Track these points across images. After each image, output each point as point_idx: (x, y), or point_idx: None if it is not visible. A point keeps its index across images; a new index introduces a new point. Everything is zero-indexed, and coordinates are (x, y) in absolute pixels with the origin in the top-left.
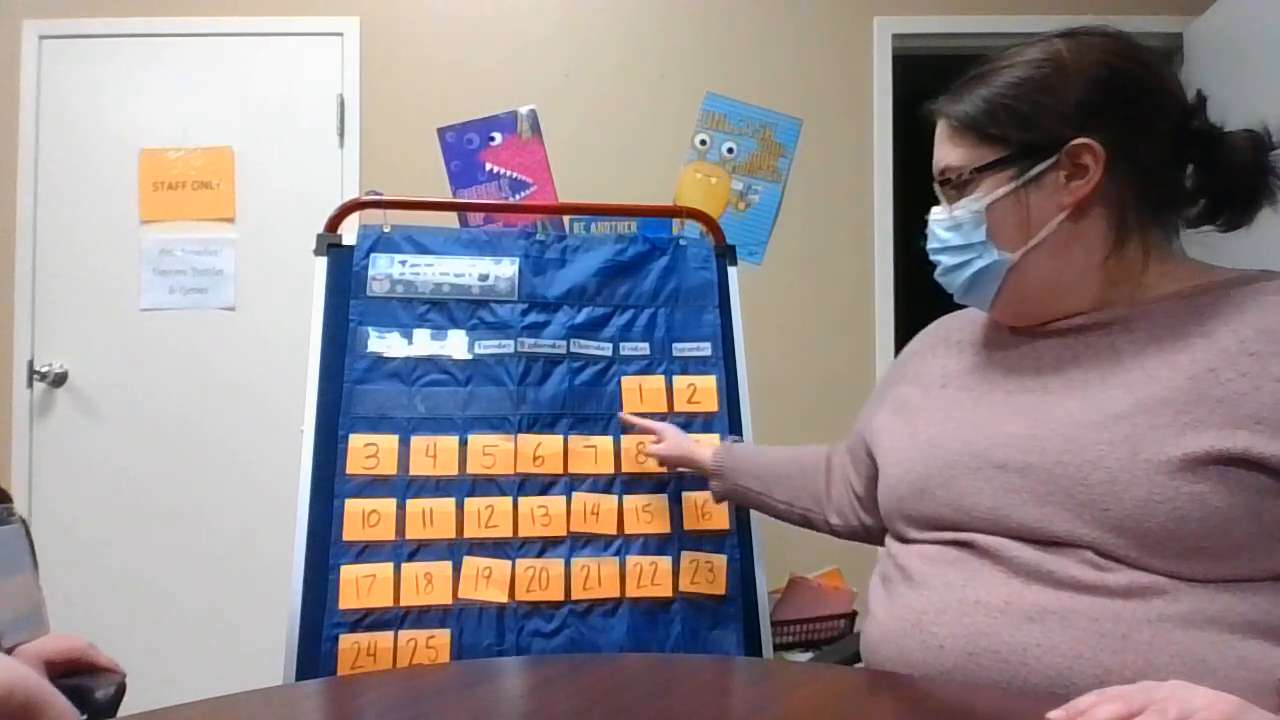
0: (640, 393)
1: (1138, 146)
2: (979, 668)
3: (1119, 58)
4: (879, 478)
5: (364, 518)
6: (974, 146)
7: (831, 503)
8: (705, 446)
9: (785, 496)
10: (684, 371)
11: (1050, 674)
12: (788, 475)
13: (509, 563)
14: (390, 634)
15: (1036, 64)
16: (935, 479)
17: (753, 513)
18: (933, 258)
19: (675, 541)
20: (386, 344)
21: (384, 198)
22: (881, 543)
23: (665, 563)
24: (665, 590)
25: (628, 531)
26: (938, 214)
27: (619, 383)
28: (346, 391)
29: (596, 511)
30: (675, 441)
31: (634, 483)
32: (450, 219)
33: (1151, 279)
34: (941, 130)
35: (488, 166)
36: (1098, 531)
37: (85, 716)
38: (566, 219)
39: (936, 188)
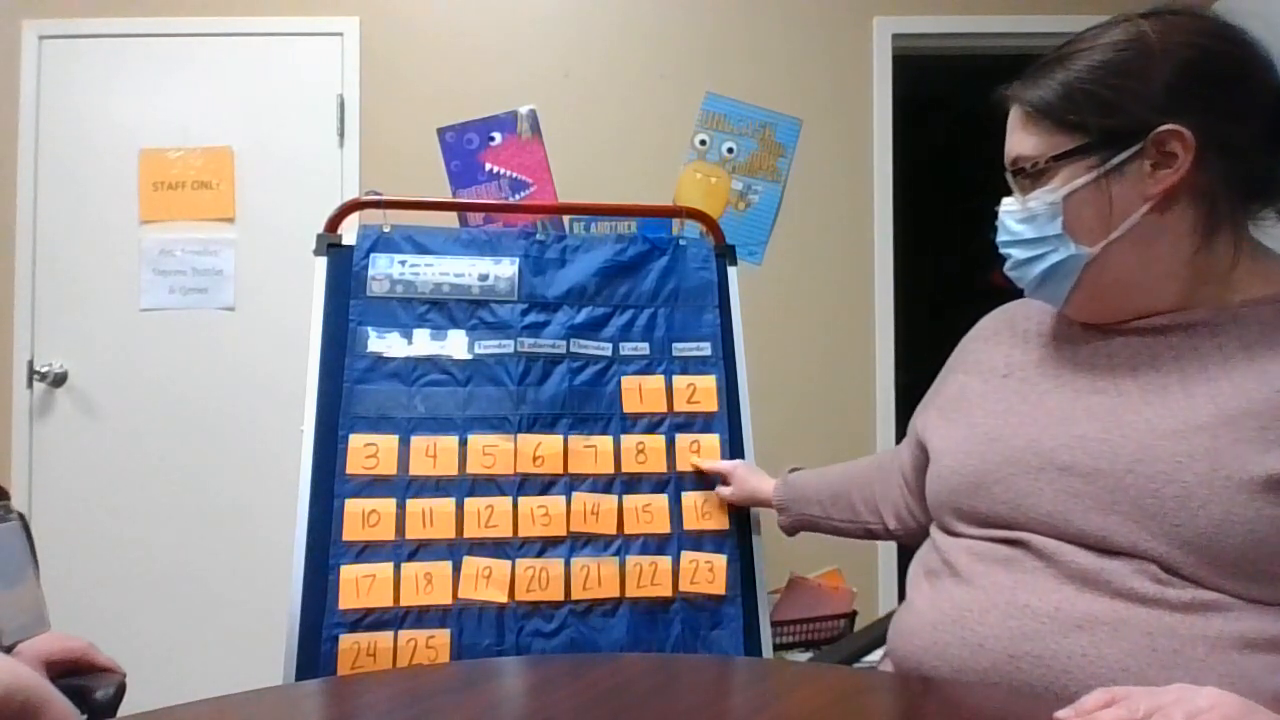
0: (640, 393)
1: (1230, 133)
2: (1018, 670)
3: (1209, 38)
4: (929, 467)
5: (364, 518)
6: (1050, 134)
7: (889, 507)
8: (769, 483)
9: (846, 515)
10: (684, 371)
11: (1092, 684)
12: (845, 492)
13: (509, 563)
14: (390, 634)
15: (1120, 46)
16: (993, 475)
17: (753, 512)
18: (1003, 251)
19: (675, 541)
20: (386, 344)
21: (384, 198)
22: None
23: (665, 563)
24: (665, 590)
25: (628, 531)
26: (1009, 205)
27: (619, 383)
28: (346, 391)
29: (596, 511)
30: (741, 484)
31: (634, 483)
32: (450, 219)
33: (1241, 279)
34: (1015, 117)
35: (488, 166)
36: (1165, 546)
37: (85, 716)
38: (566, 219)
39: (1009, 178)
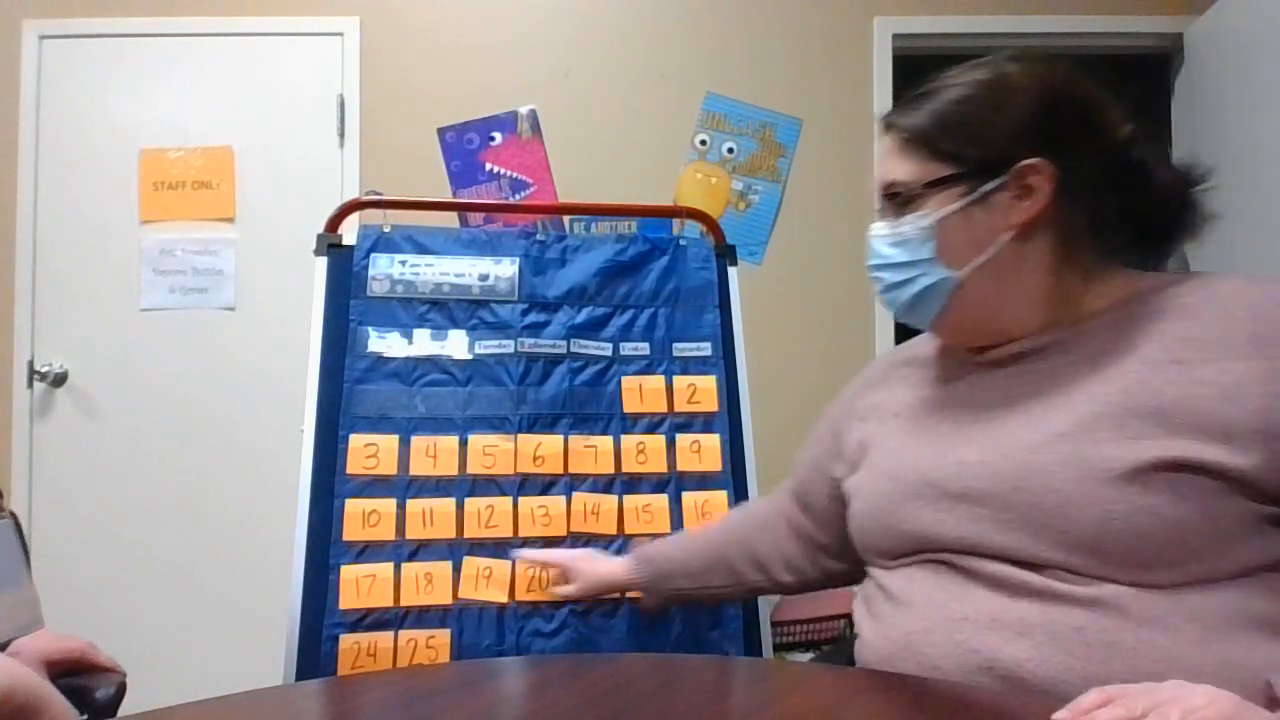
0: (640, 393)
1: (1082, 170)
2: (977, 685)
3: (1063, 81)
4: (850, 515)
5: (364, 518)
6: (924, 162)
7: (779, 561)
8: (618, 563)
9: (726, 579)
10: (684, 371)
11: (1044, 686)
12: (720, 556)
13: (509, 563)
14: (390, 634)
15: (985, 83)
16: (899, 513)
17: None
18: (873, 275)
19: None
20: (387, 344)
21: (384, 198)
22: (847, 583)
23: None
24: None
25: (628, 531)
26: (880, 229)
27: (619, 383)
28: (346, 391)
29: (596, 511)
30: (586, 581)
31: (634, 483)
32: (450, 219)
33: (1089, 300)
34: (890, 144)
35: (488, 166)
36: (1061, 554)
37: (85, 716)
38: (566, 219)
39: (879, 202)
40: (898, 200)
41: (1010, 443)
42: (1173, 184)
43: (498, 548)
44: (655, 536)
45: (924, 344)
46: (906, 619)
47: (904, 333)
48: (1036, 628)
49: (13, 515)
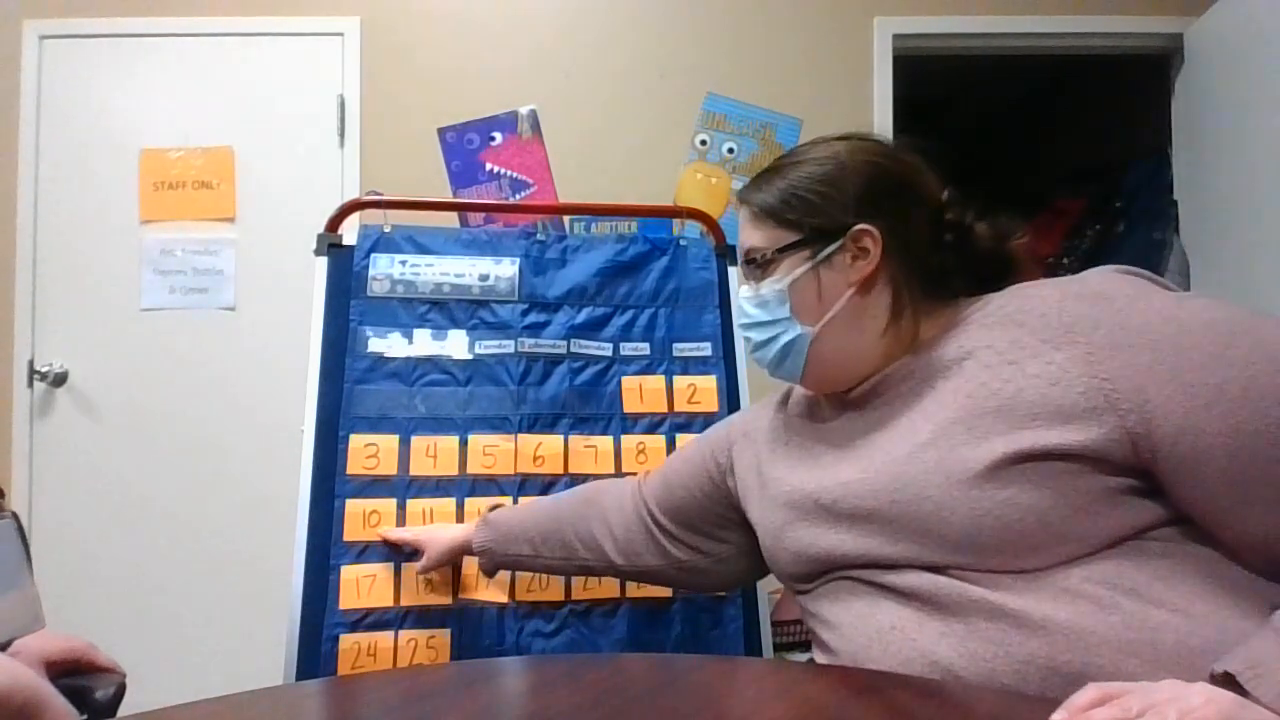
0: (640, 393)
1: (905, 231)
2: (978, 686)
3: (884, 158)
4: (761, 549)
5: (364, 518)
6: (774, 230)
7: (613, 543)
8: (462, 529)
9: (559, 553)
10: (684, 372)
11: (980, 679)
12: (557, 530)
13: None
14: (390, 634)
15: (820, 161)
16: (801, 538)
17: None
18: (743, 335)
19: None
20: (387, 344)
21: (384, 198)
22: (691, 584)
23: None
24: (665, 590)
25: None
26: (745, 292)
27: (619, 383)
28: (347, 392)
29: None
30: (433, 549)
31: None
32: (450, 219)
33: (924, 329)
34: (745, 216)
35: (488, 166)
36: (945, 556)
37: (85, 716)
38: (566, 219)
39: (742, 269)
40: (755, 265)
41: (881, 457)
42: (989, 237)
43: None
44: None
45: (798, 390)
46: (843, 641)
47: None
48: (955, 624)
49: (14, 515)
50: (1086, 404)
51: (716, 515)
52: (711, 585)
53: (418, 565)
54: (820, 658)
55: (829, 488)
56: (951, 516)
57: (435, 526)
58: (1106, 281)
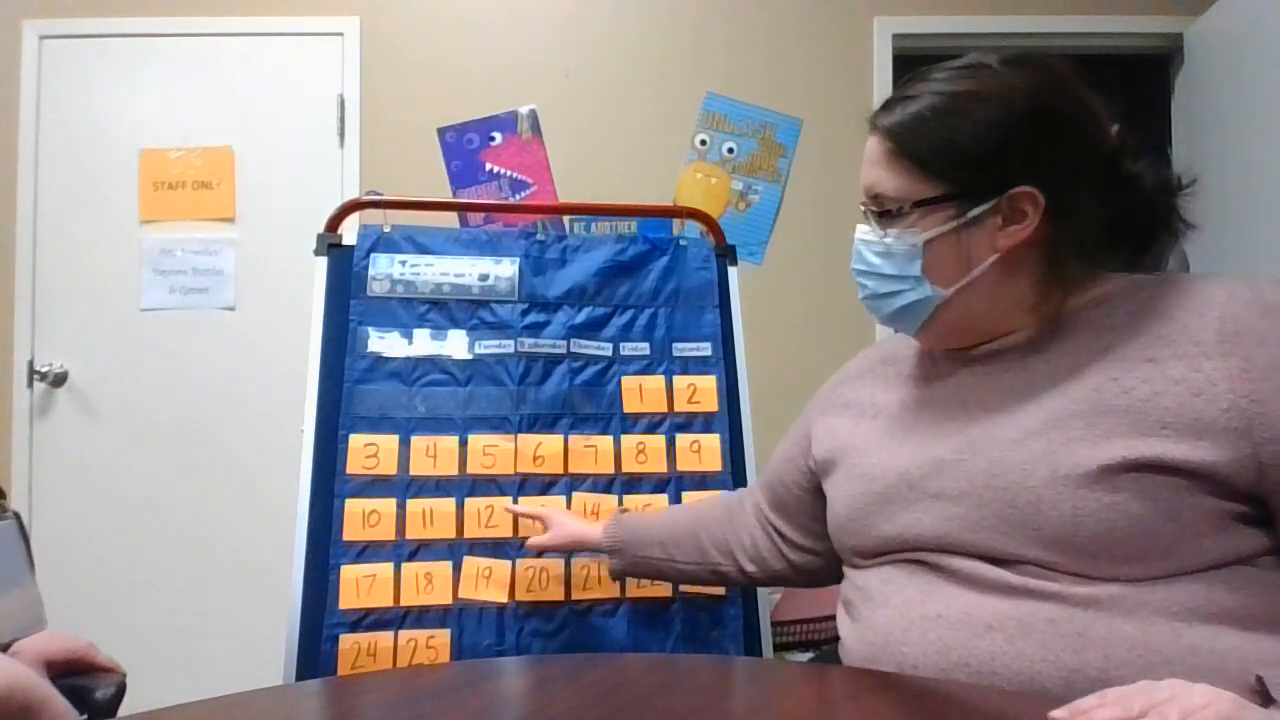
0: (640, 393)
1: (1072, 193)
2: (980, 686)
3: (1061, 100)
4: (828, 514)
5: (364, 518)
6: (913, 179)
7: (744, 551)
8: (594, 526)
9: (692, 557)
10: (684, 371)
11: (1019, 680)
12: (692, 534)
13: (509, 563)
14: (390, 634)
15: (984, 99)
16: (876, 513)
17: None
18: (858, 279)
19: None
20: (387, 344)
21: (384, 198)
22: (810, 584)
23: None
24: (665, 590)
25: None
26: (867, 234)
27: (619, 383)
28: (346, 391)
29: (596, 511)
30: (560, 529)
31: (634, 483)
32: (450, 219)
33: (1068, 301)
34: (877, 151)
35: (488, 166)
36: (1034, 550)
37: (85, 716)
38: (566, 219)
39: (865, 206)
40: (882, 209)
41: (985, 440)
42: (1158, 191)
43: (497, 548)
44: None
45: (903, 342)
46: (883, 619)
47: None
48: (1009, 620)
49: (16, 515)
50: (1226, 423)
51: (822, 509)
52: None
53: (536, 540)
54: (847, 629)
55: (921, 464)
56: (1051, 511)
57: (562, 512)
58: None
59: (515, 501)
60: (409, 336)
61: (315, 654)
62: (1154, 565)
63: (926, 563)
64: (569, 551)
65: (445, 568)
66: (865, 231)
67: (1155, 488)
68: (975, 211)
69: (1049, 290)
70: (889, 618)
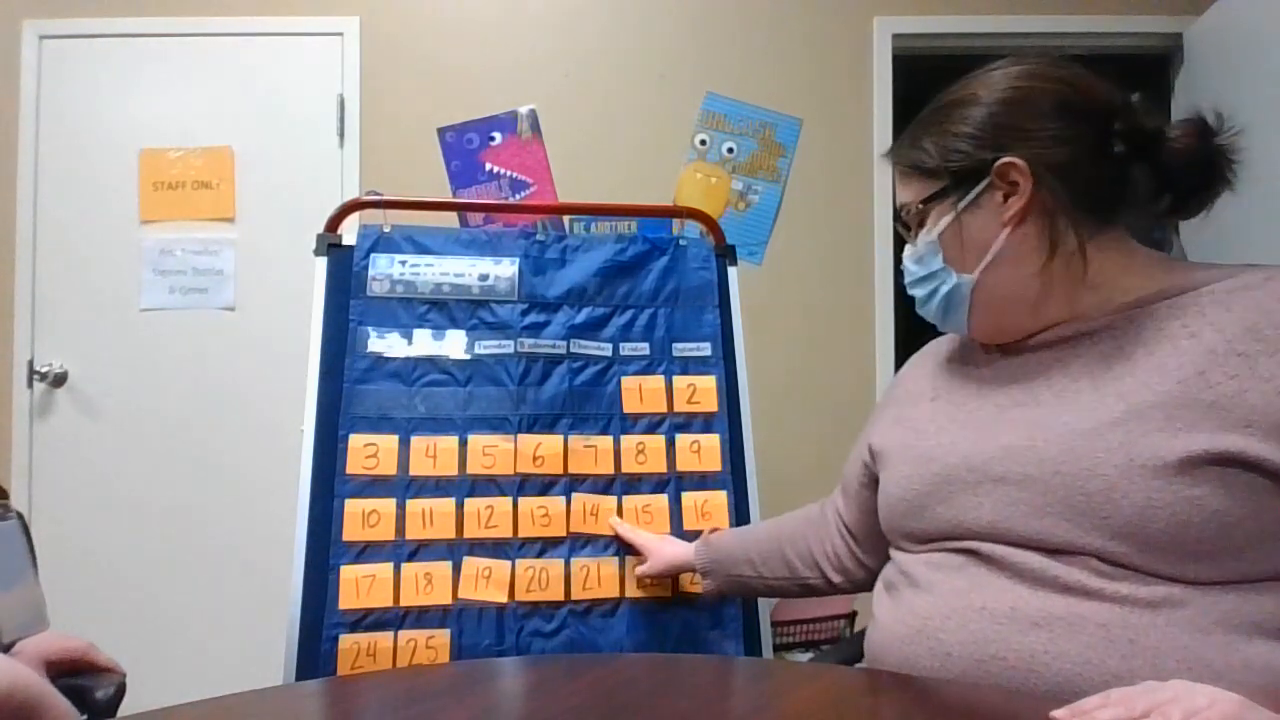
0: (640, 393)
1: (1059, 155)
2: (987, 674)
3: (1026, 79)
4: (878, 497)
5: (364, 518)
6: (919, 183)
7: (829, 560)
8: (686, 548)
9: (781, 572)
10: (684, 372)
11: (1058, 680)
12: (777, 549)
13: (509, 563)
14: (390, 634)
15: (959, 101)
16: (934, 495)
17: (753, 512)
18: (910, 292)
19: None
20: (386, 344)
21: (384, 198)
22: None
23: None
24: (665, 590)
25: None
26: (907, 251)
27: (619, 383)
28: (346, 391)
29: (596, 512)
30: (658, 558)
31: (634, 483)
32: (450, 219)
33: (1124, 280)
34: (896, 175)
35: (488, 166)
36: (1099, 540)
37: (85, 716)
38: (566, 219)
39: (898, 228)
40: (909, 223)
41: (1057, 426)
42: (1188, 138)
43: (497, 548)
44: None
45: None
46: (925, 605)
47: (906, 333)
48: (1057, 620)
49: (19, 515)
50: None
51: None
52: None
53: (641, 568)
54: (885, 609)
55: (985, 448)
56: (1123, 500)
57: (662, 539)
58: None
59: (515, 504)
60: (409, 336)
61: (315, 654)
62: (1224, 566)
63: (979, 554)
64: (672, 575)
65: (445, 568)
66: (906, 251)
67: (1236, 484)
68: (971, 195)
69: (1060, 249)
70: (931, 604)
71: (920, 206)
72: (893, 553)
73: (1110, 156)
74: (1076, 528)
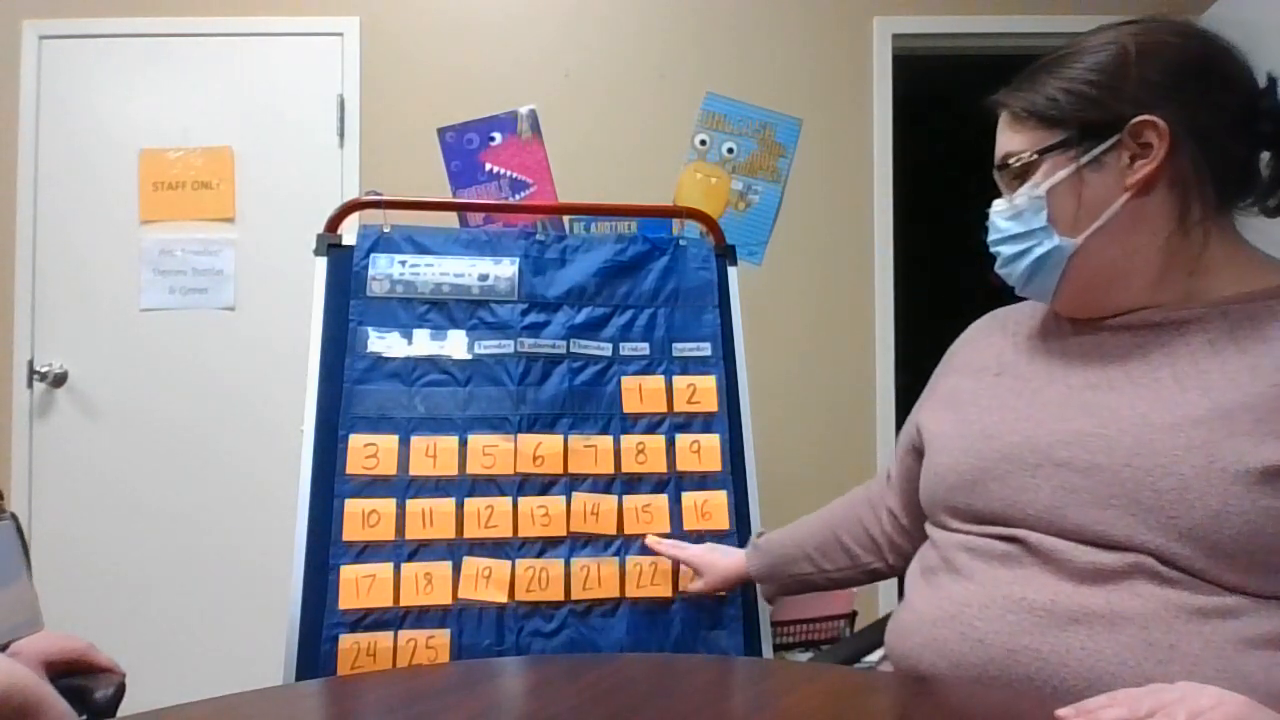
0: (640, 393)
1: (1202, 122)
2: (1016, 665)
3: (1180, 37)
4: (923, 468)
5: (364, 518)
6: (1034, 131)
7: (886, 542)
8: (737, 556)
9: (842, 562)
10: (684, 372)
11: (1090, 678)
12: (832, 538)
13: (509, 563)
14: (390, 634)
15: (1096, 49)
16: (990, 471)
17: (753, 512)
18: (993, 249)
19: None
20: (386, 344)
21: (384, 198)
22: None
23: (665, 563)
24: (665, 590)
25: (627, 531)
26: (999, 205)
27: (619, 383)
28: (346, 391)
29: (596, 511)
30: (712, 575)
31: (634, 483)
32: (450, 219)
33: (1225, 273)
34: (1003, 121)
35: (488, 166)
36: (1162, 539)
37: (85, 717)
38: (566, 219)
39: (997, 178)
40: (1011, 172)
41: (1133, 417)
42: None
43: (497, 548)
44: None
45: (1034, 305)
46: (963, 592)
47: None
48: (1098, 619)
49: (13, 517)
50: None
51: None
52: None
53: (694, 585)
54: (919, 591)
55: (1053, 430)
56: (1196, 502)
57: (706, 549)
58: None
59: (515, 504)
60: (409, 336)
61: (315, 654)
62: None
63: (1026, 543)
64: (730, 589)
65: (445, 568)
66: (997, 204)
67: None
68: (1097, 150)
69: (1187, 240)
70: (970, 591)
71: (1035, 156)
72: (932, 531)
73: (1252, 134)
74: (1140, 523)
